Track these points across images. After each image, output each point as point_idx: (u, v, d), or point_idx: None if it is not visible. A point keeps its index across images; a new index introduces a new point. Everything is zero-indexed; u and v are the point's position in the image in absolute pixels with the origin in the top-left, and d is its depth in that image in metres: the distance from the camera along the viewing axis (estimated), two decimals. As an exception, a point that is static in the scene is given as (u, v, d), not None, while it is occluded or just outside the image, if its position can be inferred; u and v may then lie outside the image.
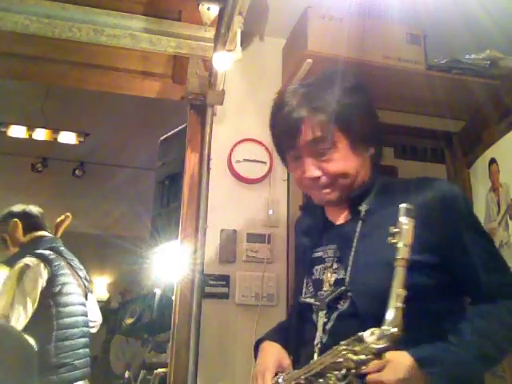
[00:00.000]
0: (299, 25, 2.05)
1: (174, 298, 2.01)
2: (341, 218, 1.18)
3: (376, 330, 0.88)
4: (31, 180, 4.99)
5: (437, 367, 0.93)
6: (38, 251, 2.24)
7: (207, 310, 1.92)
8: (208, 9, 1.79)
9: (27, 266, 2.13)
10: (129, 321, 3.79)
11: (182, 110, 2.23)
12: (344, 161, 1.10)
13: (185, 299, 1.92)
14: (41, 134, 4.15)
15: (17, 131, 4.11)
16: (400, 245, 0.92)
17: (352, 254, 1.08)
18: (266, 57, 2.28)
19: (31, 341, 1.95)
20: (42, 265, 2.16)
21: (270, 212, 2.07)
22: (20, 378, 1.24)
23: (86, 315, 2.33)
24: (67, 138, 4.25)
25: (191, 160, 2.10)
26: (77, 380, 2.13)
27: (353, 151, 1.11)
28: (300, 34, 2.01)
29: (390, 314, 0.88)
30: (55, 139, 4.22)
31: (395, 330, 0.87)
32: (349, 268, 1.08)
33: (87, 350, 2.27)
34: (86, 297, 2.42)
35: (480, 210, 2.22)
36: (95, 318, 2.52)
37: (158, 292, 3.60)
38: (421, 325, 0.97)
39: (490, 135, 2.16)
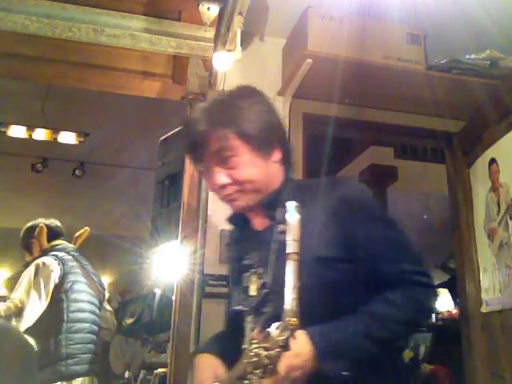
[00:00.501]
0: (299, 25, 2.05)
1: (173, 297, 2.01)
2: (261, 225, 1.23)
3: (279, 324, 0.96)
4: (31, 180, 4.99)
5: (323, 342, 1.00)
6: (53, 252, 2.42)
7: (207, 310, 1.92)
8: (208, 9, 1.79)
9: (42, 264, 2.31)
10: (129, 321, 3.78)
11: (182, 110, 2.23)
12: (248, 166, 1.16)
13: (185, 299, 1.92)
14: (41, 134, 4.15)
15: (17, 131, 4.11)
16: (289, 240, 1.00)
17: (274, 258, 1.13)
18: (266, 57, 2.27)
19: (31, 341, 1.98)
20: (55, 262, 2.34)
21: (270, 212, 2.07)
22: (20, 377, 1.24)
23: (96, 314, 2.44)
24: (67, 137, 4.25)
25: (191, 160, 2.09)
26: (83, 374, 2.24)
27: (256, 157, 1.16)
28: (300, 34, 2.01)
29: (287, 305, 0.96)
30: (55, 139, 4.22)
31: (294, 319, 0.95)
32: (270, 271, 1.12)
33: (94, 346, 2.37)
34: (101, 302, 2.55)
35: (480, 210, 2.22)
36: (108, 325, 2.65)
37: (157, 292, 3.59)
38: (333, 316, 1.03)
39: (490, 135, 2.15)
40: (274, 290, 1.08)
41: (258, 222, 1.24)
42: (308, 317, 0.98)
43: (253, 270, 1.18)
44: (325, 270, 1.06)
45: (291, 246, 1.00)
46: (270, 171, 1.19)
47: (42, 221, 2.57)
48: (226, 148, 1.15)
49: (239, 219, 1.30)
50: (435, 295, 1.11)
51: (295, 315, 0.96)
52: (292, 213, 1.04)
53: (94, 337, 2.38)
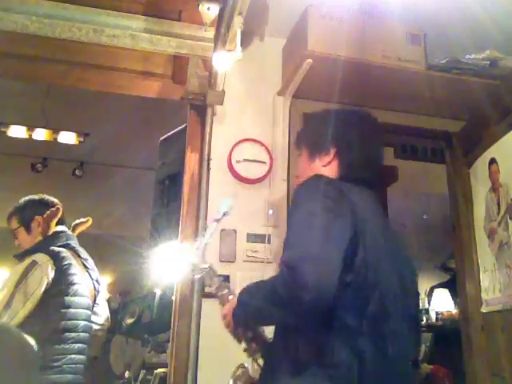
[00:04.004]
0: (299, 25, 2.05)
1: (173, 298, 2.01)
2: None
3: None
4: (31, 180, 4.98)
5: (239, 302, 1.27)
6: (51, 248, 2.19)
7: (207, 310, 1.92)
8: (208, 9, 1.79)
9: (35, 263, 2.08)
10: (129, 321, 3.79)
11: (182, 110, 2.23)
12: (302, 164, 1.46)
13: (185, 299, 1.92)
14: (41, 134, 4.15)
15: (17, 131, 4.11)
16: None
17: None
18: (266, 57, 2.28)
19: (31, 341, 1.94)
20: (50, 263, 2.11)
21: (270, 212, 2.07)
22: (20, 377, 1.24)
23: (89, 320, 2.23)
24: (67, 137, 4.25)
25: (191, 160, 2.10)
26: None
27: (308, 156, 1.43)
28: (300, 34, 2.01)
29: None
30: (55, 139, 4.22)
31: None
32: None
33: (82, 356, 2.16)
34: (95, 300, 2.34)
35: (480, 210, 2.22)
36: (100, 319, 2.44)
37: (157, 292, 3.60)
38: None
39: (490, 135, 2.15)
40: None
41: None
42: None
43: None
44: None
45: None
46: (313, 171, 1.36)
47: (51, 199, 2.34)
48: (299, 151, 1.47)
49: None
50: (284, 283, 1.11)
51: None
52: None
53: (81, 346, 2.16)
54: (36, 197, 2.39)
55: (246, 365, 1.39)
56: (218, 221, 1.48)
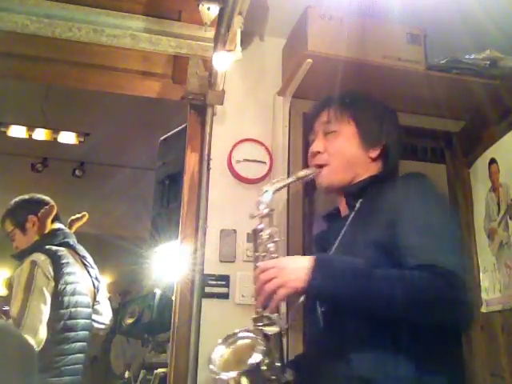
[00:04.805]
0: (299, 25, 2.05)
1: (174, 298, 2.01)
2: (343, 212, 1.35)
3: None
4: (31, 180, 4.98)
5: (324, 261, 1.09)
6: (47, 246, 2.18)
7: (207, 310, 1.92)
8: (208, 9, 1.78)
9: (34, 263, 2.08)
10: (129, 321, 3.79)
11: (182, 110, 2.23)
12: (345, 145, 1.29)
13: (185, 299, 1.92)
14: (41, 134, 4.16)
15: (17, 131, 4.11)
16: None
17: (338, 240, 1.25)
18: (265, 57, 2.27)
19: (31, 341, 1.93)
20: (48, 262, 2.11)
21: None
22: (20, 377, 1.24)
23: (90, 318, 2.25)
24: (67, 137, 4.26)
25: (191, 160, 2.10)
26: None
27: (358, 142, 1.29)
28: (300, 34, 2.01)
29: None
30: (55, 139, 4.22)
31: None
32: (331, 251, 1.24)
33: (81, 355, 2.16)
34: (95, 297, 2.34)
35: (480, 210, 2.22)
36: (104, 319, 2.41)
37: (157, 292, 3.60)
38: None
39: (490, 135, 2.15)
40: None
41: (342, 210, 1.35)
42: None
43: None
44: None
45: None
46: (361, 162, 1.30)
47: (44, 198, 2.32)
48: (333, 122, 1.31)
49: (332, 214, 1.42)
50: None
51: None
52: None
53: (81, 344, 2.16)
54: (26, 196, 2.38)
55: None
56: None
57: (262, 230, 1.25)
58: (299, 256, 1.16)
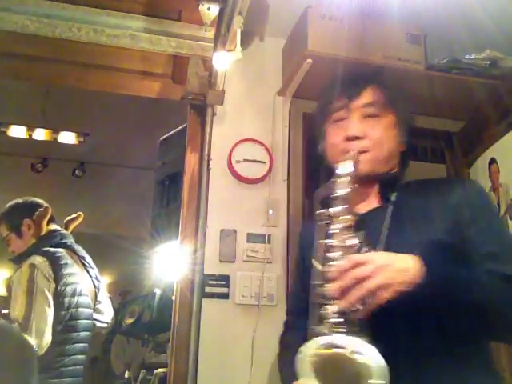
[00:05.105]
0: (299, 25, 2.05)
1: (173, 298, 2.01)
2: (365, 207, 1.24)
3: None
4: (31, 180, 4.98)
5: (435, 264, 0.97)
6: (45, 248, 2.18)
7: (207, 310, 1.92)
8: (208, 9, 1.78)
9: (33, 266, 2.07)
10: (129, 321, 3.79)
11: (182, 110, 2.23)
12: (385, 132, 1.22)
13: (185, 299, 1.92)
14: (41, 134, 4.16)
15: (17, 131, 4.12)
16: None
17: (386, 234, 1.14)
18: (265, 57, 2.27)
19: (31, 341, 1.93)
20: (47, 264, 2.11)
21: (270, 212, 2.07)
22: (20, 377, 1.24)
23: (91, 318, 2.25)
24: (67, 137, 4.26)
25: (191, 160, 2.10)
26: None
27: (394, 131, 1.24)
28: (300, 34, 2.01)
29: None
30: (55, 139, 4.22)
31: None
32: (381, 246, 1.11)
33: (82, 356, 2.16)
34: (96, 297, 2.35)
35: (480, 210, 2.22)
36: (105, 318, 2.42)
37: (157, 292, 3.60)
38: None
39: (490, 135, 2.16)
40: None
41: (363, 204, 1.25)
42: None
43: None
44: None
45: None
46: (395, 155, 1.26)
47: (37, 201, 2.30)
48: (377, 106, 1.24)
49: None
50: None
51: None
52: None
53: (84, 345, 2.16)
54: (20, 200, 2.37)
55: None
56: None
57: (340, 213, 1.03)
58: (394, 253, 0.98)
